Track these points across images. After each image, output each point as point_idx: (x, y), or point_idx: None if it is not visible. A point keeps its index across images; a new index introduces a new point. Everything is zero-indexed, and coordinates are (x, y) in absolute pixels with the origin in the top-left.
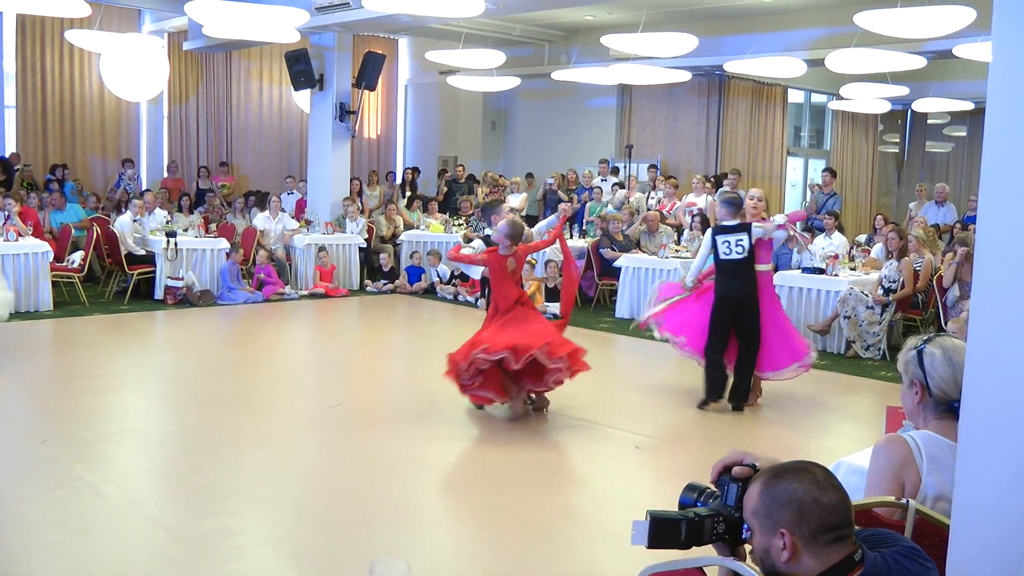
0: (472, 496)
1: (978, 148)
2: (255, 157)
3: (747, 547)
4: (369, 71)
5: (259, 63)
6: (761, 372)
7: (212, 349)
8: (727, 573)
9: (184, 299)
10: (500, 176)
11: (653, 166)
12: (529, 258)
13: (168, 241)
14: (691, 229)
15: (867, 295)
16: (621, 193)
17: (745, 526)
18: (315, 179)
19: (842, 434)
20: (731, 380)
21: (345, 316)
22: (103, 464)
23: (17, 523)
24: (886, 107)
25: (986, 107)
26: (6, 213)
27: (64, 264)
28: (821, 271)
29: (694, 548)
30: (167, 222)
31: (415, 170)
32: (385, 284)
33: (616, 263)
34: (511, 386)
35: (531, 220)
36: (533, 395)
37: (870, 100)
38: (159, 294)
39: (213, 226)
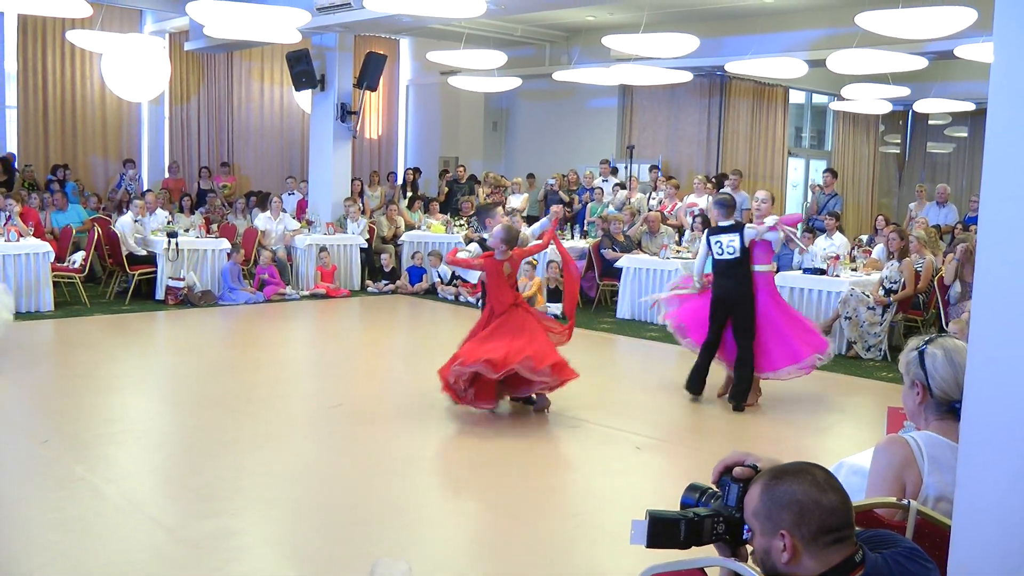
0: (472, 496)
1: (979, 149)
2: (256, 157)
3: (749, 548)
4: (370, 71)
5: (260, 63)
6: (759, 372)
7: (213, 349)
8: (728, 574)
9: (185, 299)
10: (501, 177)
11: (654, 167)
12: (532, 259)
13: (169, 241)
14: (692, 230)
15: (868, 296)
16: (622, 194)
17: (746, 527)
18: (316, 179)
19: (843, 435)
20: (731, 380)
21: (346, 317)
22: (104, 464)
23: (17, 523)
24: (887, 108)
25: (987, 108)
26: (7, 214)
27: (65, 264)
28: (822, 272)
29: (694, 548)
30: (168, 222)
31: (416, 171)
32: (386, 285)
33: (617, 264)
34: (504, 391)
35: (532, 221)
36: (535, 395)
37: (871, 101)
38: (160, 294)
39: (214, 226)
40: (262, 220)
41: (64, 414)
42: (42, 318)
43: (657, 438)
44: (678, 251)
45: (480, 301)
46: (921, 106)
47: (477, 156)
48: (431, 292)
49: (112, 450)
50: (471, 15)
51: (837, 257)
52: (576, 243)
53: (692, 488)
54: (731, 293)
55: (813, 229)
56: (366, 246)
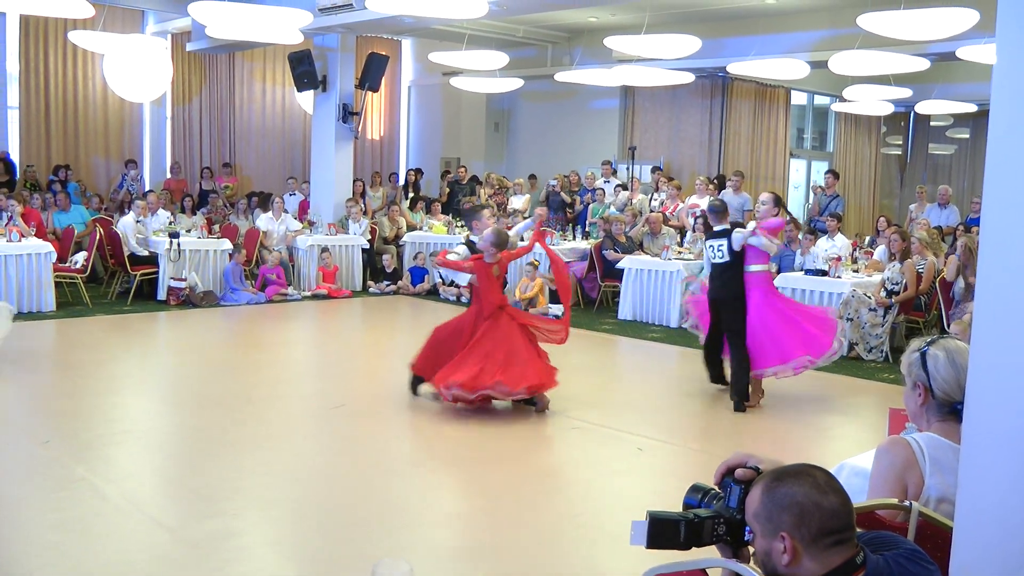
0: (473, 497)
1: (981, 150)
2: (258, 158)
3: (750, 549)
4: (372, 72)
5: (262, 64)
6: (752, 370)
7: (214, 350)
8: (730, 575)
9: (187, 300)
10: (503, 177)
11: (656, 168)
12: (533, 259)
13: (171, 242)
14: (694, 231)
15: (870, 297)
16: (624, 195)
17: (747, 528)
18: (318, 180)
19: (845, 436)
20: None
21: (348, 317)
22: (104, 465)
23: (18, 523)
24: (889, 109)
25: (990, 109)
26: (9, 214)
27: (67, 265)
28: (824, 273)
29: (695, 549)
30: (170, 223)
31: (418, 171)
32: (388, 285)
33: (619, 265)
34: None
35: None
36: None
37: (873, 102)
38: (162, 295)
39: (216, 227)
40: (264, 221)
41: (65, 414)
42: (44, 318)
43: (658, 439)
44: (680, 252)
45: (468, 299)
46: (923, 107)
47: (479, 157)
48: (433, 293)
49: (113, 450)
50: (473, 16)
51: (839, 258)
52: (578, 244)
53: (695, 489)
54: (720, 294)
55: (815, 230)
56: (368, 247)
